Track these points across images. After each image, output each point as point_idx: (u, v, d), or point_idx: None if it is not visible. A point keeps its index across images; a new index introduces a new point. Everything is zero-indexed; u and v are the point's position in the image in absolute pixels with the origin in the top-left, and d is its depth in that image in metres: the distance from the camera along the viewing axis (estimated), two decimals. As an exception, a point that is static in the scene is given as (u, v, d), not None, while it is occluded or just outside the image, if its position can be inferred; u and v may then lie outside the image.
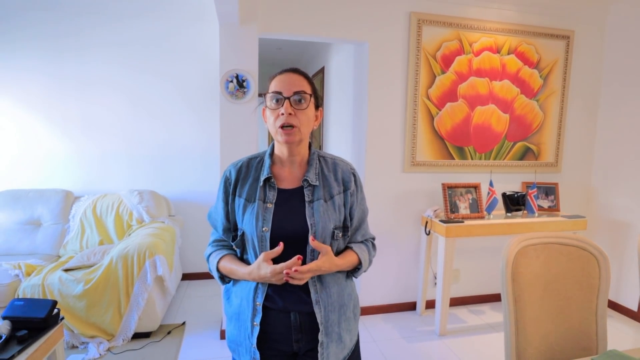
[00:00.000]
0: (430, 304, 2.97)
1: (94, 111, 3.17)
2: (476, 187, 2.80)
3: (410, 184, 2.85)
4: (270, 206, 1.01)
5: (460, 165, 2.92)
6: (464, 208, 2.74)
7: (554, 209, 3.04)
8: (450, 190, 2.74)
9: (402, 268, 2.94)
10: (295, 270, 0.92)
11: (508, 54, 2.91)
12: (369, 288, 2.89)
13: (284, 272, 0.93)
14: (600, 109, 3.19)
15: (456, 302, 3.05)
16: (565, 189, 3.20)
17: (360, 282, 2.87)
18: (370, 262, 1.14)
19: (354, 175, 1.11)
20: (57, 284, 2.28)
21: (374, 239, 1.19)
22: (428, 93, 2.78)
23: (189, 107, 3.31)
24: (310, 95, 1.02)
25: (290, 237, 0.99)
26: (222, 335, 2.46)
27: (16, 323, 1.48)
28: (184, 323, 2.64)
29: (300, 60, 5.42)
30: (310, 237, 0.97)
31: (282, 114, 0.98)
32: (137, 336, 2.42)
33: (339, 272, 1.07)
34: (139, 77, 3.20)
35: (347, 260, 1.06)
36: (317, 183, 1.04)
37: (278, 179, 1.06)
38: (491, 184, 2.75)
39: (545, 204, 3.05)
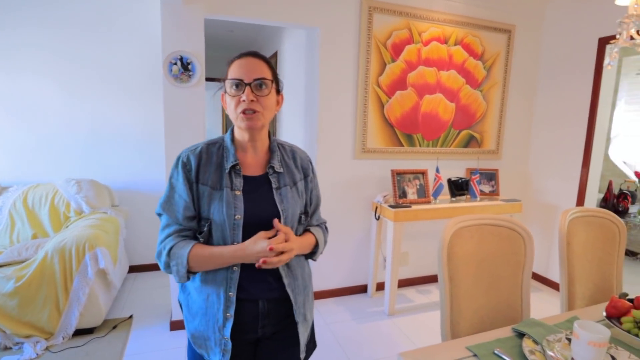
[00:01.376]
0: (381, 286, 3.08)
1: (23, 95, 2.89)
2: (423, 173, 2.91)
3: (361, 170, 2.91)
4: (239, 193, 0.99)
5: (409, 152, 3.01)
6: (412, 193, 2.85)
7: (494, 194, 3.24)
8: (399, 176, 2.83)
9: (353, 252, 3.02)
10: (271, 248, 0.92)
11: (455, 44, 3.02)
12: (322, 273, 2.94)
13: (268, 248, 0.92)
14: (536, 100, 3.42)
15: (405, 283, 3.19)
16: (505, 175, 3.42)
17: (314, 267, 2.91)
18: (325, 243, 1.18)
19: (311, 163, 1.15)
20: (-17, 282, 2.09)
21: (325, 222, 1.23)
22: (379, 81, 2.83)
23: (129, 91, 3.11)
24: (272, 80, 1.01)
25: (263, 224, 0.99)
26: (172, 327, 2.41)
27: None
28: (131, 316, 2.54)
29: (254, 43, 5.31)
30: (275, 220, 0.97)
31: (244, 101, 0.96)
32: (79, 332, 2.30)
33: (300, 255, 1.10)
34: (72, 58, 2.95)
35: (307, 241, 1.09)
36: (281, 170, 1.06)
37: (242, 165, 1.04)
38: (437, 170, 2.87)
39: (487, 188, 3.24)
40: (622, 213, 3.78)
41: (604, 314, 1.20)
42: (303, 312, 1.09)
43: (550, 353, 0.98)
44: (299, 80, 3.17)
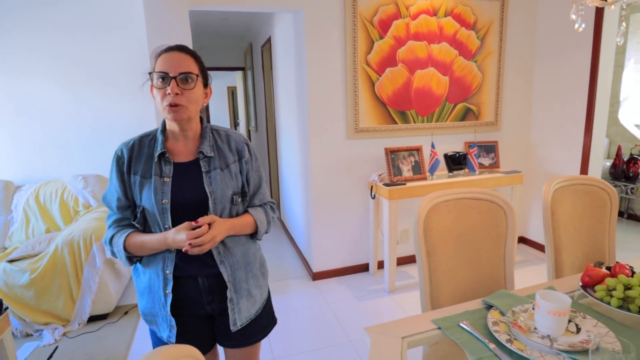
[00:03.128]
0: (383, 264, 3.10)
1: (26, 96, 2.99)
2: (418, 150, 2.88)
3: (356, 150, 2.90)
4: (168, 180, 1.04)
5: (403, 130, 2.98)
6: (407, 171, 2.83)
7: (494, 166, 3.19)
8: (392, 154, 2.81)
9: (353, 232, 3.04)
10: (190, 244, 0.96)
11: (445, 16, 2.94)
12: (323, 253, 2.98)
13: (187, 243, 0.96)
14: (535, 67, 3.31)
15: (406, 260, 3.21)
16: (505, 146, 3.35)
17: (313, 248, 2.95)
18: (268, 222, 1.20)
19: (247, 145, 1.17)
20: (1, 276, 2.24)
21: (273, 202, 1.26)
22: (367, 59, 2.78)
23: (124, 86, 3.15)
24: (197, 75, 1.03)
25: (190, 206, 1.05)
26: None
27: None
28: (140, 302, 2.68)
29: (249, 31, 5.26)
30: (194, 222, 1.00)
31: (169, 94, 0.99)
32: (93, 319, 2.45)
33: (240, 235, 1.14)
34: (68, 59, 3.00)
35: (243, 221, 1.12)
36: (212, 154, 1.09)
37: (172, 153, 1.08)
38: (433, 146, 2.84)
39: (486, 161, 3.19)
40: (632, 178, 3.68)
41: (580, 283, 1.19)
42: (246, 288, 1.14)
43: (512, 323, 0.98)
44: (291, 64, 3.15)
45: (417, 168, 2.86)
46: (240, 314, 1.12)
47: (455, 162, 2.98)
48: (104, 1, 3.01)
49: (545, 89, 3.25)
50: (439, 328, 1.02)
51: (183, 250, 0.97)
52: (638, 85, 4.05)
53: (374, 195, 2.84)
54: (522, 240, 3.60)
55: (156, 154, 1.05)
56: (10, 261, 2.35)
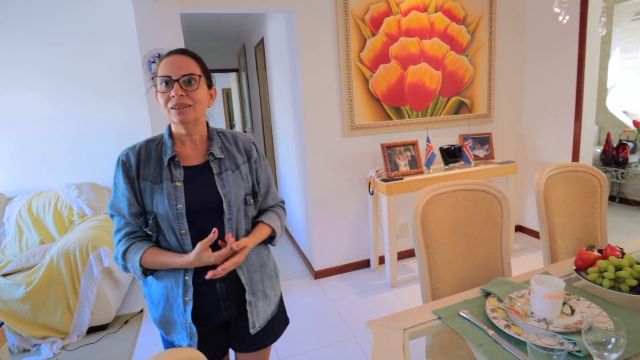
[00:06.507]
0: (384, 260, 3.14)
1: (16, 108, 2.99)
2: (414, 144, 2.92)
3: (352, 147, 2.94)
4: (180, 184, 1.04)
5: (399, 125, 3.02)
6: (403, 165, 2.87)
7: (489, 157, 3.23)
8: (389, 149, 2.85)
9: (353, 229, 3.08)
10: (223, 269, 0.99)
11: (435, 11, 2.97)
12: (324, 251, 3.02)
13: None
14: (525, 59, 3.35)
15: (407, 254, 3.25)
16: (499, 138, 3.40)
17: (314, 247, 2.99)
18: (282, 226, 1.22)
19: (255, 145, 1.19)
20: (-4, 291, 2.19)
21: (283, 202, 1.28)
22: (360, 57, 2.82)
23: (115, 93, 3.16)
24: (200, 76, 1.04)
25: (206, 210, 1.05)
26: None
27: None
28: (141, 311, 2.66)
29: (242, 32, 5.28)
30: (227, 236, 1.02)
31: (173, 96, 1.00)
32: (93, 330, 2.41)
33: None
34: (56, 69, 3.01)
35: (260, 235, 1.13)
36: (222, 156, 1.10)
37: (182, 157, 1.08)
38: (428, 140, 2.88)
39: (481, 153, 3.24)
40: (622, 164, 3.75)
41: (573, 267, 1.24)
42: (262, 289, 1.15)
43: (510, 309, 1.02)
44: (284, 64, 3.17)
45: (414, 162, 2.90)
46: (258, 316, 1.13)
47: (451, 155, 3.03)
48: (92, 9, 3.03)
49: (535, 80, 3.29)
50: (439, 318, 1.06)
51: (207, 277, 0.99)
52: (624, 72, 4.11)
53: (372, 191, 2.88)
54: (520, 228, 3.65)
55: (166, 158, 1.05)
56: (5, 275, 2.31)
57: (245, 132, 6.41)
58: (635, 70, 4.00)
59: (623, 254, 1.18)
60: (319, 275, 3.02)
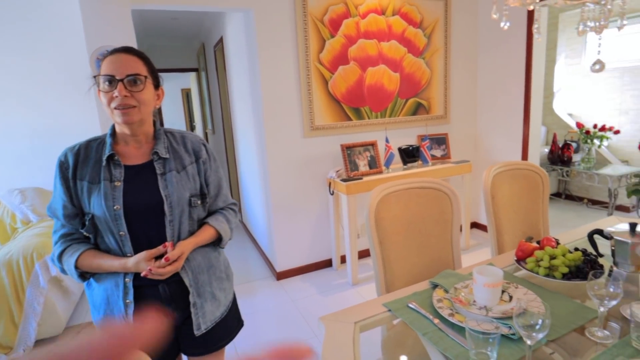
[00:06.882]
0: (345, 258, 3.17)
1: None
2: (373, 145, 2.98)
3: (313, 148, 2.96)
4: (119, 184, 1.01)
5: (359, 126, 3.07)
6: (363, 165, 2.92)
7: (446, 157, 3.35)
8: (349, 150, 2.89)
9: (315, 229, 3.09)
10: (151, 271, 0.97)
11: (393, 15, 3.05)
12: (285, 252, 3.01)
13: (147, 268, 0.97)
14: (479, 63, 3.51)
15: (368, 253, 3.30)
16: (455, 138, 3.54)
17: (276, 248, 2.98)
18: (231, 229, 1.20)
19: (204, 146, 1.16)
20: None
21: (235, 203, 1.26)
22: (320, 58, 2.84)
23: (64, 93, 2.98)
24: (146, 76, 1.01)
25: (145, 211, 1.02)
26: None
27: None
28: (94, 319, 2.55)
29: (201, 31, 5.18)
30: (167, 244, 1.01)
31: (116, 96, 0.97)
32: (41, 343, 2.27)
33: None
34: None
35: (202, 237, 1.11)
36: (167, 156, 1.07)
37: (123, 156, 1.05)
38: (387, 140, 2.95)
39: (438, 153, 3.35)
40: (567, 162, 4.00)
41: (514, 257, 1.31)
42: (210, 291, 1.13)
43: (454, 298, 1.07)
44: (243, 64, 3.14)
45: (373, 162, 2.95)
46: (204, 317, 1.11)
47: (409, 155, 3.11)
48: (34, 3, 2.86)
49: (488, 83, 3.46)
50: (389, 310, 1.09)
51: (141, 274, 0.97)
52: (569, 77, 4.41)
53: (333, 191, 2.91)
54: (475, 225, 3.81)
55: (104, 157, 1.01)
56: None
57: (206, 133, 6.29)
58: (579, 75, 4.30)
59: (558, 244, 1.27)
60: (281, 276, 3.01)
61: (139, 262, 0.97)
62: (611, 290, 0.93)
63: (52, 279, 2.24)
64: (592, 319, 0.99)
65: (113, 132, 1.06)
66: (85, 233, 1.03)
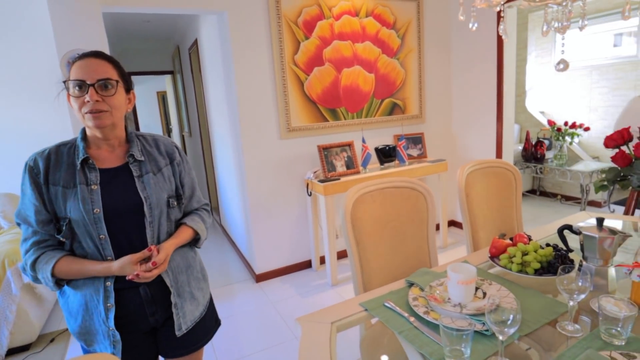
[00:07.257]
0: (324, 259, 3.17)
1: None
2: (350, 145, 2.99)
3: (290, 149, 2.94)
4: (96, 187, 0.99)
5: (335, 127, 3.07)
6: (340, 166, 2.92)
7: (422, 156, 3.40)
8: (325, 151, 2.89)
9: (294, 230, 3.08)
10: (138, 275, 0.96)
11: (366, 16, 3.07)
12: (264, 254, 2.98)
13: (134, 272, 0.96)
14: (452, 63, 3.58)
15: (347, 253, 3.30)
16: (431, 137, 3.59)
17: (255, 250, 2.94)
18: (207, 228, 1.22)
19: (177, 148, 1.17)
20: None
21: (207, 205, 1.27)
22: (294, 59, 2.83)
23: (35, 96, 2.89)
24: (117, 81, 1.00)
25: (125, 213, 1.02)
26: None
27: None
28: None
29: (175, 33, 5.08)
30: (152, 247, 1.01)
31: (88, 101, 0.95)
32: (14, 351, 2.22)
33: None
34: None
35: (181, 237, 1.12)
36: (142, 158, 1.07)
37: (97, 159, 1.03)
38: (363, 141, 2.96)
39: (414, 152, 3.39)
40: (540, 159, 4.11)
41: (488, 254, 1.33)
42: (189, 291, 1.14)
43: (429, 296, 1.08)
44: (218, 66, 3.10)
45: (350, 163, 2.96)
46: (185, 318, 1.11)
47: (386, 154, 3.14)
48: (1, 6, 2.74)
49: (461, 82, 3.53)
50: (366, 310, 1.09)
51: (127, 278, 0.96)
52: (540, 76, 4.54)
53: (311, 192, 2.90)
54: (453, 223, 3.87)
55: (78, 161, 0.99)
56: None
57: (182, 136, 6.18)
58: (550, 74, 4.43)
59: (530, 240, 1.29)
60: (260, 278, 2.98)
61: (124, 265, 0.96)
62: (580, 284, 0.95)
63: (24, 286, 2.21)
64: (563, 313, 1.01)
65: (84, 136, 1.04)
66: (61, 238, 1.00)
